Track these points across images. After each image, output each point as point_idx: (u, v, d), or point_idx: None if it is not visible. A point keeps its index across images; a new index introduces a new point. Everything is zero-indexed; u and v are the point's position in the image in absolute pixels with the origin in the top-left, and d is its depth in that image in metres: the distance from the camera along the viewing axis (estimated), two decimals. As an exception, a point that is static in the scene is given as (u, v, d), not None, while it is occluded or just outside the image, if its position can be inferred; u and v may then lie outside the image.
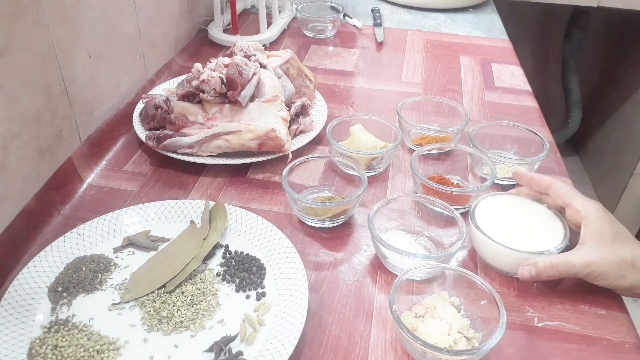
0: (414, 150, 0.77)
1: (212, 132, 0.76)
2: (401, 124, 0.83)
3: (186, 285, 0.59)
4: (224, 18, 1.18)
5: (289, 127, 0.81)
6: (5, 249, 0.61)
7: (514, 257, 0.60)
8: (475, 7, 1.43)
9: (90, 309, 0.56)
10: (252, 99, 0.80)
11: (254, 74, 0.80)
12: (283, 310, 0.56)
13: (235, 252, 0.64)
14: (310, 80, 0.92)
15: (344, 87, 1.03)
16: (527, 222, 0.63)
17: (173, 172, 0.78)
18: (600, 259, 0.56)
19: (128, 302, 0.57)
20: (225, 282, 0.60)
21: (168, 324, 0.55)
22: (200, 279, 0.60)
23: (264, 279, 0.60)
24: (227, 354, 0.52)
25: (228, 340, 0.53)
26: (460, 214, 0.64)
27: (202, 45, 1.15)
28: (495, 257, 0.62)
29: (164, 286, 0.58)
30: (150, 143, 0.78)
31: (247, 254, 0.63)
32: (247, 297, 0.58)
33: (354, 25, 1.29)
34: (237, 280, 0.60)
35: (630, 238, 0.59)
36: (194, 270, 0.60)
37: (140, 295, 0.57)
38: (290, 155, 0.76)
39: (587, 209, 0.59)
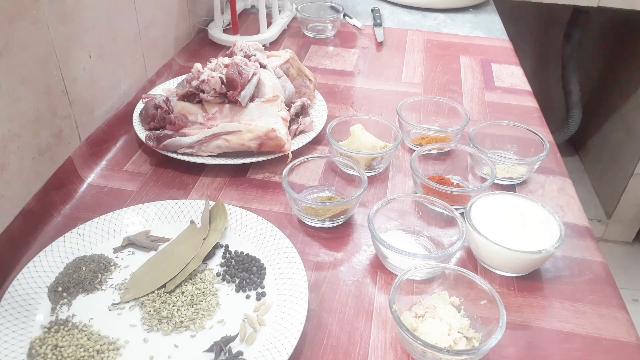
0: (414, 150, 0.77)
1: (212, 132, 0.76)
2: (401, 124, 0.83)
3: (186, 285, 0.59)
4: (224, 18, 1.18)
5: (289, 127, 0.81)
6: (5, 249, 0.61)
7: (510, 257, 0.60)
8: (475, 7, 1.43)
9: (90, 309, 0.56)
10: (252, 99, 0.80)
11: (254, 74, 0.80)
12: (283, 310, 0.56)
13: (235, 252, 0.64)
14: (310, 80, 0.92)
15: (344, 87, 1.03)
16: (523, 222, 0.63)
17: (173, 172, 0.78)
18: None
19: (128, 302, 0.57)
20: (225, 282, 0.60)
21: (168, 324, 0.55)
22: (200, 279, 0.60)
23: (264, 279, 0.60)
24: (227, 354, 0.52)
25: (228, 340, 0.53)
26: (460, 214, 0.64)
27: (202, 45, 1.15)
28: (492, 257, 0.62)
29: (164, 286, 0.58)
30: (150, 143, 0.78)
31: (247, 254, 0.63)
32: (247, 297, 0.58)
33: (354, 25, 1.29)
34: (237, 280, 0.60)
35: None
36: (194, 270, 0.60)
37: (140, 295, 0.57)
38: (290, 155, 0.76)
39: None
